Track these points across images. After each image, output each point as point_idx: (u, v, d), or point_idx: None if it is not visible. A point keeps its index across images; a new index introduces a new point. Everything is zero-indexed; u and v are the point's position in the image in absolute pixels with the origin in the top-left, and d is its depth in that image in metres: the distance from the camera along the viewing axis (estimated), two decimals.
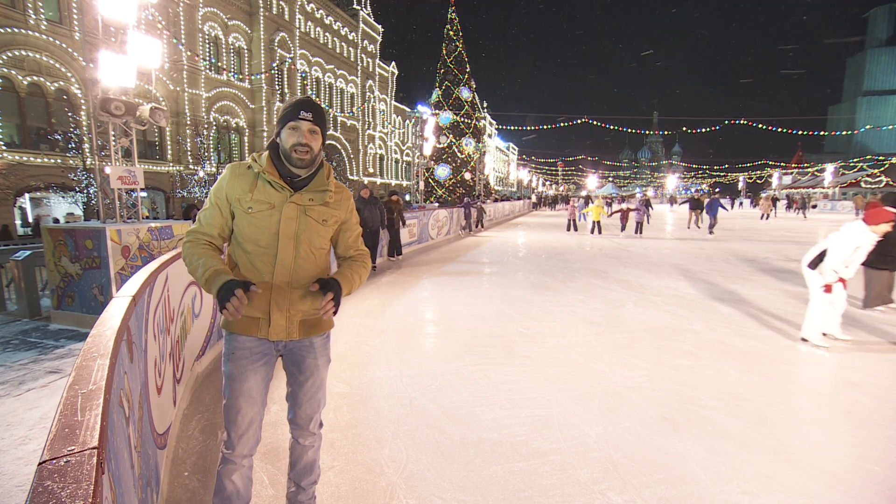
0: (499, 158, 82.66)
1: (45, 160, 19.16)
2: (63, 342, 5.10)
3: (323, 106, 1.72)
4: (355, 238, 1.89)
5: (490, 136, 70.03)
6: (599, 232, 16.28)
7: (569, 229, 17.86)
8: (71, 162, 18.93)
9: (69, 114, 19.46)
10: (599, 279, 7.86)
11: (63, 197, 19.55)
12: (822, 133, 48.19)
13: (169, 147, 25.43)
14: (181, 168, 25.67)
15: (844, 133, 59.41)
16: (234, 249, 1.75)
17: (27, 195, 19.35)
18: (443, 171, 29.08)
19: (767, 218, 25.29)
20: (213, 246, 1.72)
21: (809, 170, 58.81)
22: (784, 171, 58.64)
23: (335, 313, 1.70)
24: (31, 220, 19.44)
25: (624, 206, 17.78)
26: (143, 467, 1.68)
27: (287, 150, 1.67)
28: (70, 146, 18.95)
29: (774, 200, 35.24)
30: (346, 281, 1.76)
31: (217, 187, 1.72)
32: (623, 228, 16.68)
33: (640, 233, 16.11)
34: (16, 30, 17.88)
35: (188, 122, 25.65)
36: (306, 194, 1.72)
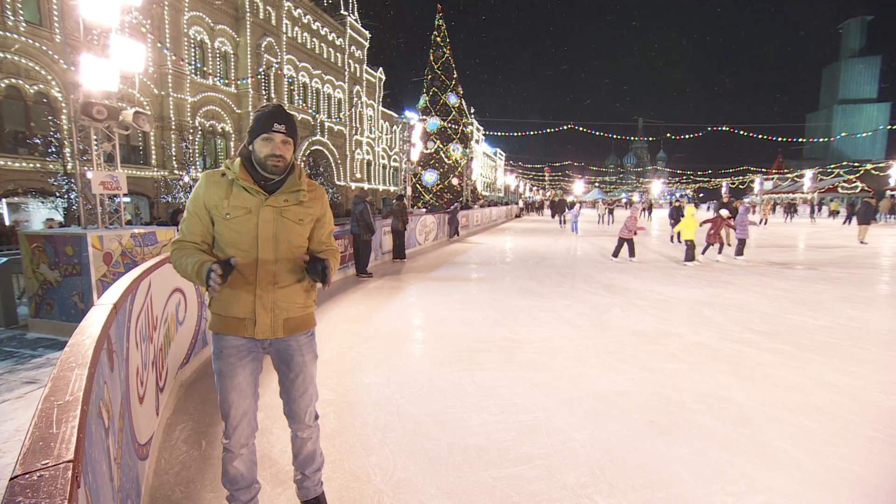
0: (486, 164, 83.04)
1: (24, 164, 18.71)
2: (41, 351, 4.97)
3: (291, 112, 1.79)
4: (328, 234, 1.99)
5: (477, 141, 70.35)
6: (692, 258, 10.09)
7: (623, 254, 11.06)
8: (51, 166, 18.52)
9: (49, 117, 19.08)
10: (586, 284, 7.92)
11: (42, 202, 19.09)
12: (800, 140, 49.48)
13: (153, 152, 25.05)
14: (166, 173, 25.30)
15: (822, 140, 61.12)
16: (217, 255, 1.81)
17: (4, 200, 18.87)
18: (430, 177, 29.10)
19: (766, 223, 25.10)
20: (200, 249, 1.80)
21: (790, 175, 60.25)
22: (765, 176, 59.94)
23: (326, 284, 1.79)
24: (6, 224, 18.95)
25: (723, 212, 10.59)
26: (124, 479, 1.64)
27: (262, 159, 1.74)
28: (50, 150, 18.54)
29: (775, 205, 35.11)
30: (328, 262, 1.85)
31: (194, 196, 1.78)
32: (720, 248, 10.89)
33: (742, 253, 10.80)
34: None
35: (173, 127, 25.32)
36: (281, 196, 1.80)
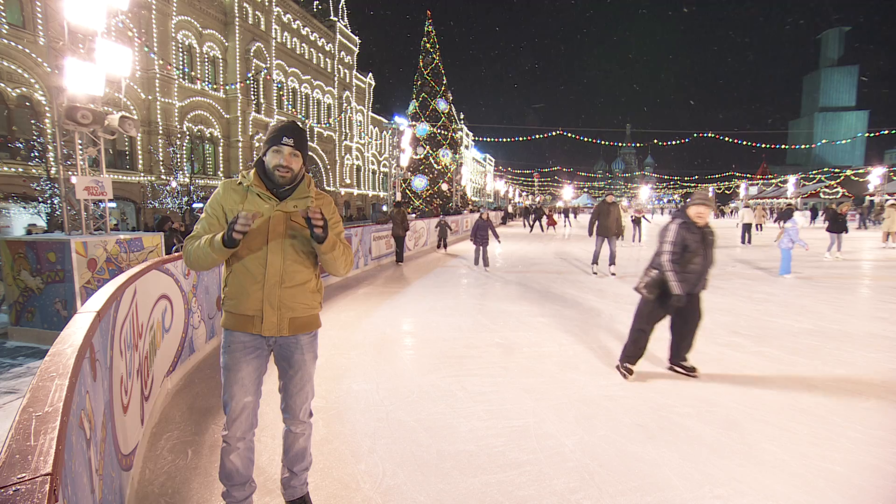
0: (475, 169, 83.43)
1: (6, 169, 18.38)
2: (21, 360, 4.86)
3: (304, 128, 1.93)
4: (337, 234, 2.06)
5: (467, 147, 70.66)
6: None
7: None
8: (34, 171, 18.18)
9: (32, 121, 18.76)
10: (575, 289, 7.97)
11: (24, 207, 18.72)
12: (783, 146, 50.33)
13: (140, 157, 24.75)
14: (153, 178, 24.99)
15: (804, 146, 62.40)
16: (230, 256, 1.93)
17: None
18: (420, 182, 29.13)
19: (760, 229, 25.01)
20: None
21: (773, 181, 61.41)
22: (750, 181, 61.03)
23: (323, 230, 1.80)
24: None
25: None
26: (106, 491, 1.61)
27: (271, 169, 1.91)
28: (33, 155, 18.21)
29: (770, 210, 35.07)
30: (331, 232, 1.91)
31: (212, 201, 1.95)
32: None
33: None
34: None
35: (160, 132, 25.04)
36: (290, 202, 1.94)
